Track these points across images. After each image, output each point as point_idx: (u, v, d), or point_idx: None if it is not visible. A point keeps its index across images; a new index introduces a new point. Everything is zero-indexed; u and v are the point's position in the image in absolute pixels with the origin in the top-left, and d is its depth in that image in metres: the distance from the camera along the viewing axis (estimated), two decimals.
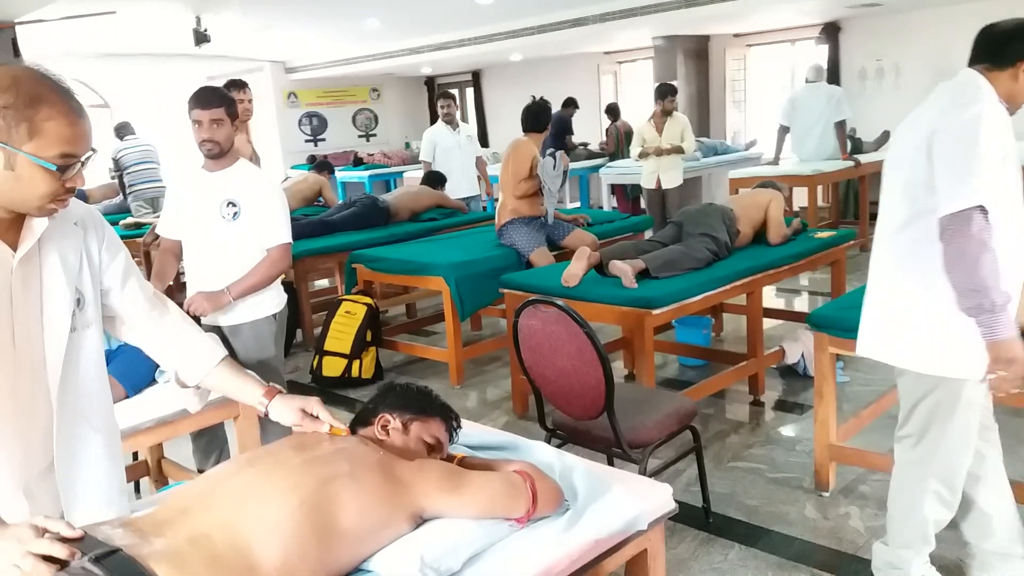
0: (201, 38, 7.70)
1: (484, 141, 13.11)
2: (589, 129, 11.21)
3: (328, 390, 4.71)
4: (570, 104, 9.69)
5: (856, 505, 3.06)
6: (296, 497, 1.38)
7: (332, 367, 4.74)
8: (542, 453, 1.88)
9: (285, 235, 3.00)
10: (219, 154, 2.93)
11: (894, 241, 2.27)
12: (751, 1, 7.49)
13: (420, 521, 1.52)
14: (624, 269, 3.65)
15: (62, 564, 1.15)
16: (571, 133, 9.62)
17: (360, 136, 13.57)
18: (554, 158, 4.81)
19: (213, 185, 2.96)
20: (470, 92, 13.66)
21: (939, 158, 2.08)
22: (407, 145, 13.10)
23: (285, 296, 3.16)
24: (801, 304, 6.18)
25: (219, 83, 4.04)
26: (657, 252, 3.88)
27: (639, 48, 10.95)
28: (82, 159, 1.37)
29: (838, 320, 2.93)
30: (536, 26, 9.15)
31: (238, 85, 4.73)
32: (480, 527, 1.53)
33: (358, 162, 11.29)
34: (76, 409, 1.53)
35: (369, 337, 4.83)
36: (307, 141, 12.83)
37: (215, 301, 2.91)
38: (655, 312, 3.41)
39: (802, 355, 4.39)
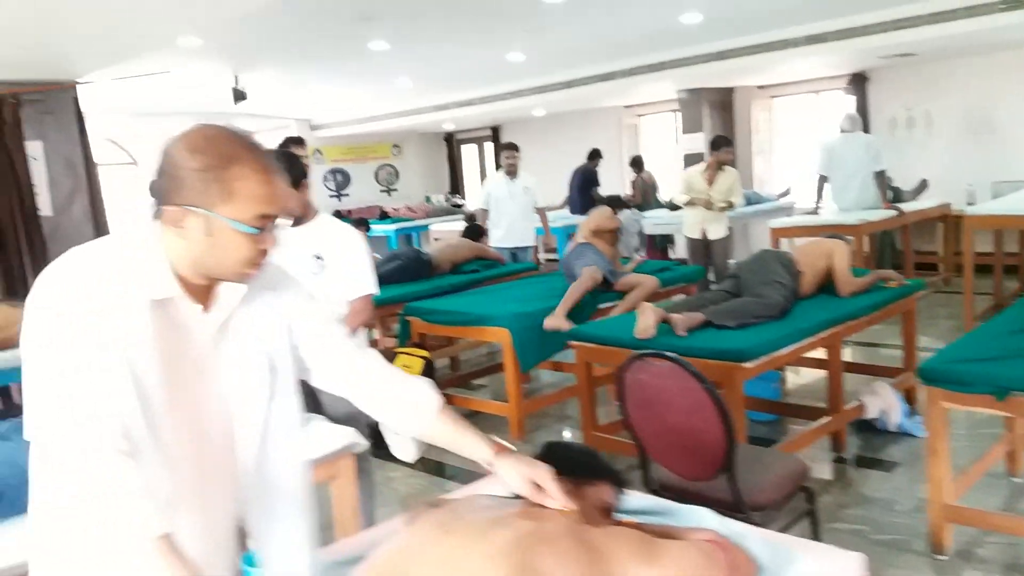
0: (239, 96, 7.76)
1: None
2: (612, 181, 11.21)
3: (386, 446, 4.54)
4: (595, 156, 9.70)
5: (979, 570, 2.88)
6: (503, 566, 1.26)
7: None
8: (703, 519, 1.74)
9: (370, 286, 2.94)
10: (298, 221, 2.90)
11: None
12: (777, 54, 7.54)
13: None
14: (679, 326, 3.55)
15: None
16: (598, 185, 9.60)
17: (382, 191, 13.66)
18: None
19: (298, 240, 2.89)
20: (489, 146, 13.75)
21: None
22: (427, 199, 13.16)
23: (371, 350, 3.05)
24: (860, 356, 6.01)
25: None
26: (725, 305, 3.78)
27: (660, 101, 11.03)
28: (275, 219, 1.31)
29: (952, 373, 2.80)
30: (563, 81, 9.22)
31: (296, 142, 4.71)
32: None
33: (384, 216, 11.32)
34: (269, 479, 1.45)
35: None
36: (331, 196, 12.88)
37: None
38: (747, 365, 3.29)
39: (880, 410, 4.24)
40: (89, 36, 4.86)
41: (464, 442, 1.58)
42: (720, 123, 9.76)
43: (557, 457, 1.62)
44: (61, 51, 5.19)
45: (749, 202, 8.74)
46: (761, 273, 3.96)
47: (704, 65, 7.99)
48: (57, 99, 5.91)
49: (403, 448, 1.68)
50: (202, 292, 1.35)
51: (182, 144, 1.27)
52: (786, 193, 9.30)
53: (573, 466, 1.60)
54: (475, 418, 5.02)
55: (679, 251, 9.59)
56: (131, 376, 1.24)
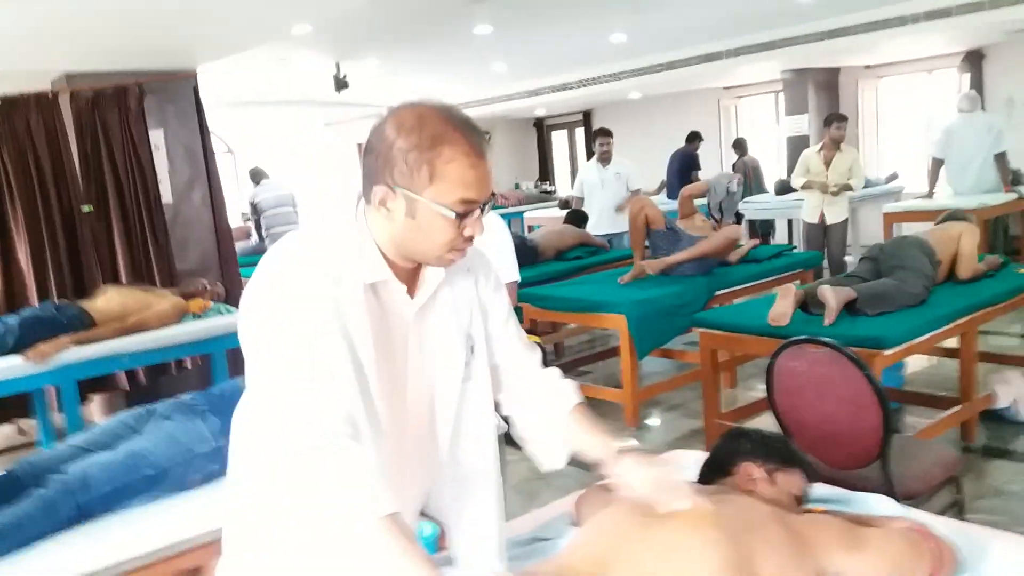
0: (341, 84, 7.91)
1: None
2: (710, 164, 11.01)
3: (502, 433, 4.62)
4: (695, 138, 9.53)
5: None
6: (717, 554, 1.27)
7: None
8: (885, 508, 1.72)
9: (513, 273, 2.97)
10: None
11: None
12: (894, 31, 7.24)
13: None
14: (831, 298, 3.43)
15: None
16: (698, 168, 9.44)
17: None
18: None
19: None
20: (579, 131, 13.67)
21: None
22: (516, 186, 13.17)
23: None
24: (995, 344, 5.75)
25: (339, 130, 3.97)
26: (866, 284, 3.67)
27: (761, 82, 10.76)
28: (481, 205, 1.28)
29: None
30: (664, 63, 9.07)
31: None
32: None
33: None
34: (462, 462, 1.46)
35: None
36: None
37: None
38: (886, 352, 3.21)
39: (1013, 400, 4.08)
40: (209, 24, 5.01)
41: (592, 441, 1.49)
42: (825, 104, 9.44)
43: (750, 444, 1.63)
44: (183, 40, 5.36)
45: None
46: (902, 259, 3.82)
47: (814, 44, 7.73)
48: (178, 88, 6.13)
49: (549, 455, 1.53)
50: (407, 274, 1.35)
51: (393, 122, 1.25)
52: (894, 177, 8.97)
53: (768, 452, 1.60)
54: (588, 403, 5.03)
55: (779, 237, 9.37)
56: (351, 358, 1.25)
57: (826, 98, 9.51)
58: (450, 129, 1.24)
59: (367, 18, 6.18)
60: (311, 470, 1.18)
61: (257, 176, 8.72)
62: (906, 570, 1.40)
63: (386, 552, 1.15)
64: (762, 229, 9.21)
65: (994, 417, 4.14)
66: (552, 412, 1.54)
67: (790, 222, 8.63)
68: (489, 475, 1.50)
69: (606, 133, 6.94)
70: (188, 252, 5.17)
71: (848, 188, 6.48)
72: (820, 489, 1.82)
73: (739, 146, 9.96)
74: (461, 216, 1.26)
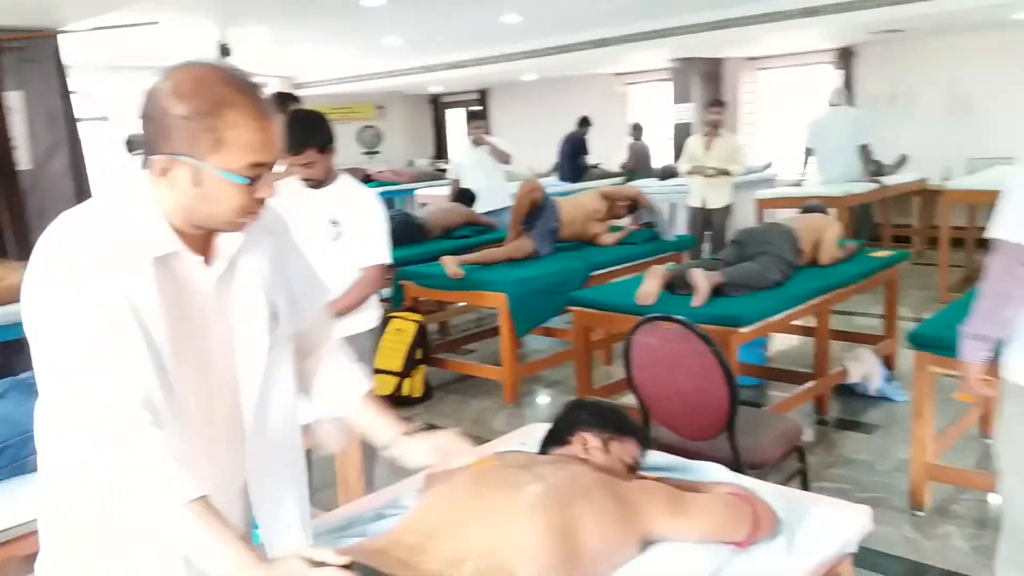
0: (225, 52, 7.63)
1: None
2: (600, 149, 11.22)
3: None
4: (584, 123, 9.69)
5: (955, 525, 3.05)
6: (542, 520, 1.32)
7: (383, 385, 4.65)
8: (719, 475, 1.83)
9: (384, 255, 2.93)
10: (318, 184, 2.87)
11: None
12: (769, 25, 7.57)
13: (646, 544, 1.47)
14: (702, 281, 3.60)
15: None
16: (586, 153, 9.61)
17: (364, 153, 13.52)
18: None
19: (315, 202, 2.87)
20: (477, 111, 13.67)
21: None
22: (411, 163, 13.06)
23: (382, 310, 3.09)
24: (838, 324, 6.15)
25: None
26: (733, 268, 3.85)
27: (651, 70, 11.03)
28: (271, 166, 1.24)
29: (941, 339, 2.91)
30: (557, 46, 9.17)
31: (292, 99, 4.66)
32: (705, 551, 1.48)
33: (367, 179, 11.19)
34: (268, 432, 1.41)
35: (418, 355, 4.76)
36: None
37: None
38: (742, 330, 3.38)
39: (862, 375, 4.39)
40: None
41: (378, 425, 1.54)
42: (709, 93, 9.77)
43: (586, 414, 1.70)
44: None
45: None
46: (766, 245, 4.03)
47: (698, 35, 8.00)
48: (38, 48, 5.74)
49: (330, 438, 1.59)
50: (200, 242, 1.29)
51: (169, 87, 1.17)
52: (768, 165, 9.40)
53: (602, 422, 1.67)
54: (467, 382, 5.11)
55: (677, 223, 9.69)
56: (144, 340, 1.19)
57: (710, 87, 9.87)
58: (233, 92, 1.18)
59: None
60: (110, 461, 1.15)
61: (133, 144, 8.29)
62: (726, 531, 1.50)
63: (195, 537, 1.14)
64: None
65: (848, 392, 4.45)
66: (342, 398, 1.56)
67: (672, 206, 8.91)
68: (294, 449, 1.48)
69: (478, 116, 7.16)
70: (46, 222, 4.86)
71: (725, 173, 6.73)
72: (658, 458, 1.92)
73: (636, 130, 10.20)
74: (251, 180, 1.21)
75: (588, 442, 1.63)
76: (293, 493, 1.49)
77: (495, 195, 6.95)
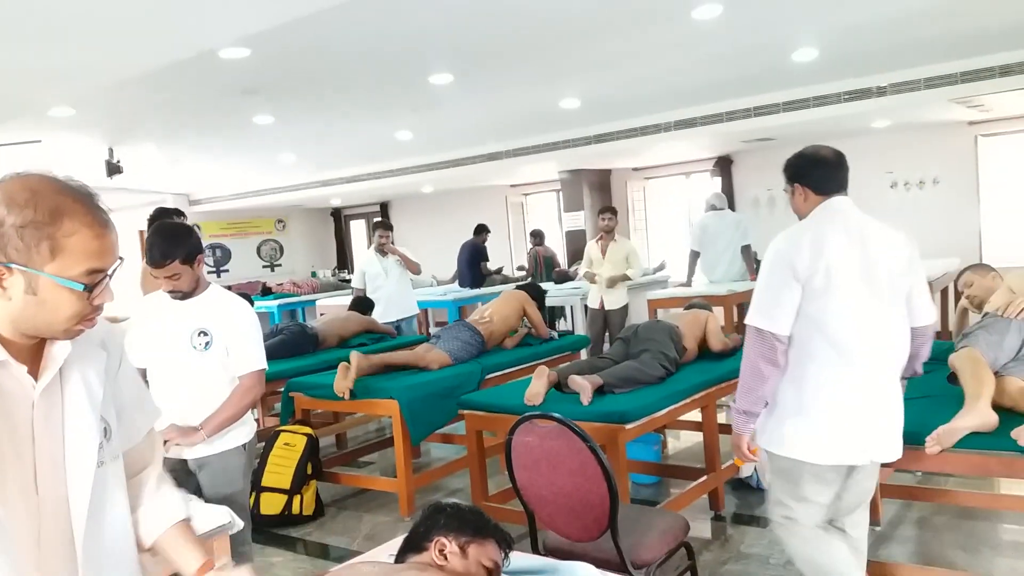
0: (113, 169, 7.50)
1: None
2: (499, 256, 11.46)
3: (266, 530, 4.37)
4: (482, 230, 9.89)
5: None
6: None
7: (271, 504, 4.41)
8: (584, 573, 1.79)
9: (260, 361, 2.86)
10: (186, 296, 2.83)
11: None
12: (652, 138, 8.04)
13: None
14: (584, 385, 3.66)
15: None
16: (486, 259, 9.78)
17: (265, 266, 13.38)
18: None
19: (182, 313, 2.81)
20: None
21: None
22: (313, 274, 12.98)
23: (255, 425, 2.97)
24: (724, 418, 6.30)
25: (120, 217, 3.71)
26: (613, 368, 3.92)
27: (545, 181, 11.46)
28: (109, 272, 1.25)
29: None
30: (451, 160, 9.46)
31: (176, 214, 4.60)
32: None
33: (267, 292, 11.05)
34: (103, 550, 1.34)
35: (309, 470, 4.57)
36: (210, 272, 12.50)
37: (189, 439, 2.71)
38: (628, 426, 3.41)
39: (755, 468, 4.44)
40: None
41: (180, 556, 1.51)
42: (599, 202, 10.24)
43: (444, 518, 1.65)
44: None
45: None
46: (647, 342, 4.14)
47: (583, 148, 8.41)
48: None
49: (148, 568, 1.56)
50: (28, 353, 1.27)
51: (1, 197, 1.18)
52: (662, 267, 9.76)
53: (460, 525, 1.63)
54: (363, 496, 4.92)
55: (571, 322, 9.85)
56: None
57: (599, 196, 10.32)
58: (68, 200, 1.20)
59: (135, 103, 5.97)
60: None
61: None
62: None
63: None
64: (548, 316, 9.62)
65: (744, 486, 4.49)
66: (160, 522, 1.52)
67: (571, 308, 9.10)
68: (129, 563, 1.42)
69: (385, 226, 7.18)
70: None
71: (625, 279, 7.11)
72: (528, 560, 1.87)
73: (536, 236, 10.48)
74: (90, 288, 1.22)
75: (445, 547, 1.57)
76: None
77: (404, 303, 7.08)
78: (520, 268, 10.69)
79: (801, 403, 2.44)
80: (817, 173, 2.60)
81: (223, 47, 4.46)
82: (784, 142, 8.87)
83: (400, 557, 1.60)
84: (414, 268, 7.11)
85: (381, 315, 6.80)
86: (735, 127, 7.50)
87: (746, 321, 2.50)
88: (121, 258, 1.28)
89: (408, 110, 6.87)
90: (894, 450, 2.52)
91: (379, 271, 6.97)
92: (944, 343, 3.73)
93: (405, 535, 1.68)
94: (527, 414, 2.68)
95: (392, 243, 7.09)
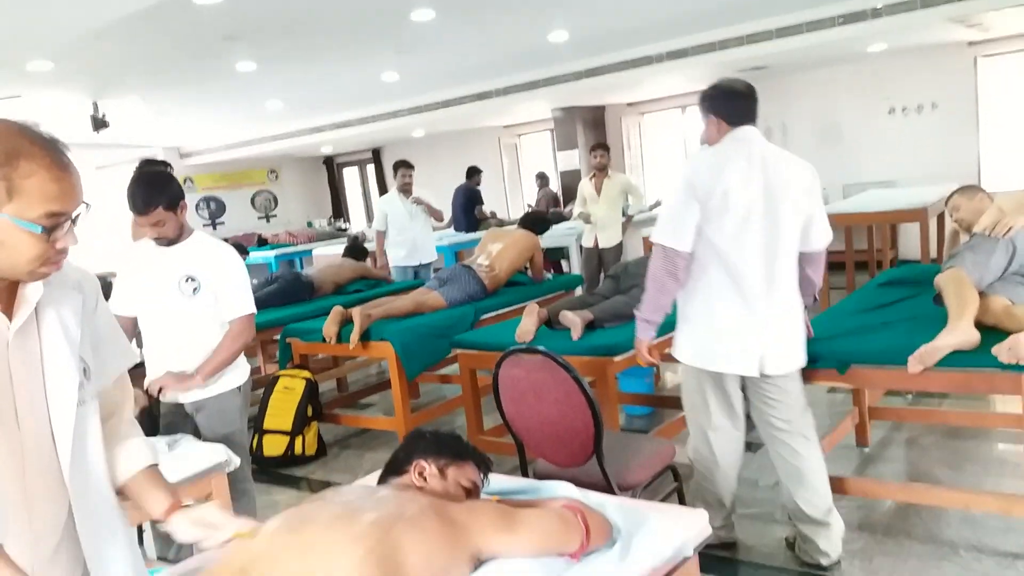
0: (99, 123, 7.43)
1: None
2: (493, 199, 11.41)
3: (271, 470, 4.47)
4: (475, 173, 9.82)
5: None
6: (362, 548, 1.30)
7: (273, 446, 4.51)
8: (565, 492, 1.84)
9: (248, 305, 2.88)
10: (171, 242, 2.83)
11: None
12: (643, 70, 7.91)
13: (479, 563, 1.45)
14: (574, 320, 3.70)
15: None
16: (481, 202, 9.73)
17: (260, 218, 13.35)
18: None
19: (169, 260, 2.82)
20: (371, 168, 13.70)
21: None
22: (309, 224, 12.97)
23: (249, 367, 3.02)
24: None
25: (110, 173, 3.67)
26: (603, 304, 3.95)
27: (538, 120, 11.33)
28: (72, 216, 1.26)
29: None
30: (440, 101, 9.33)
31: (162, 165, 4.57)
32: (539, 564, 1.47)
33: (262, 242, 11.06)
34: (89, 486, 1.39)
35: (310, 412, 4.65)
36: (205, 225, 12.49)
37: (184, 384, 2.75)
38: (616, 359, 3.44)
39: None
40: None
41: (148, 499, 1.54)
42: (593, 139, 10.10)
43: (424, 443, 1.69)
44: None
45: (625, 213, 9.10)
46: (636, 277, 4.15)
47: (574, 83, 8.28)
48: None
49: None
50: (2, 293, 1.29)
51: None
52: (657, 204, 9.71)
53: (439, 448, 1.67)
54: (365, 436, 5.01)
55: (574, 263, 9.87)
56: None
57: (593, 134, 10.19)
58: (26, 143, 1.21)
59: (115, 54, 5.88)
60: None
61: None
62: (558, 543, 1.50)
63: None
64: (554, 256, 9.60)
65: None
66: (127, 466, 1.54)
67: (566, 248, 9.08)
68: (111, 498, 1.46)
69: (407, 165, 6.83)
70: None
71: (625, 215, 7.23)
72: (511, 482, 1.92)
73: (542, 178, 10.40)
74: (49, 230, 1.23)
75: (424, 469, 1.62)
76: (123, 545, 1.47)
77: (427, 248, 6.87)
78: (530, 206, 10.67)
79: (697, 315, 2.72)
80: (729, 105, 2.72)
81: None
82: (778, 70, 8.74)
83: (382, 480, 1.65)
84: (439, 216, 6.93)
85: (405, 258, 6.66)
86: (728, 56, 7.37)
87: (651, 239, 2.73)
88: (87, 203, 1.28)
89: (392, 50, 6.76)
90: (785, 364, 2.73)
91: (403, 213, 6.68)
92: (934, 267, 3.74)
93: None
94: (512, 348, 2.72)
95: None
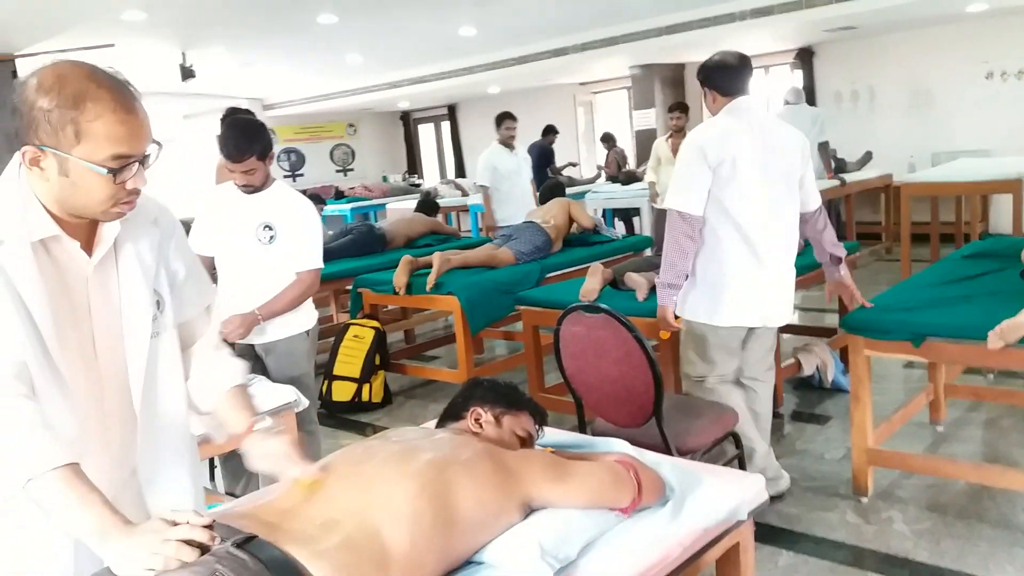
0: (187, 73, 7.65)
1: (461, 172, 13.18)
2: (568, 157, 11.32)
3: (338, 415, 4.63)
4: (550, 132, 9.76)
5: (896, 509, 3.04)
6: (417, 484, 1.34)
7: (342, 391, 4.65)
8: (621, 450, 1.84)
9: (317, 260, 2.96)
10: (254, 190, 2.92)
11: None
12: (725, 28, 7.66)
13: (529, 511, 1.48)
14: (640, 282, 3.66)
15: (203, 549, 1.11)
16: (553, 162, 9.68)
17: (338, 171, 13.59)
18: None
19: (250, 207, 2.91)
20: (446, 125, 13.74)
21: None
22: (384, 179, 13.13)
23: (317, 313, 3.11)
24: (808, 320, 6.21)
25: (197, 122, 3.75)
26: None
27: (614, 78, 11.13)
28: (139, 158, 1.27)
29: (873, 322, 2.94)
30: (516, 57, 9.25)
31: (246, 114, 4.68)
32: (589, 517, 1.49)
33: (339, 195, 11.28)
34: (157, 415, 1.47)
35: (378, 361, 4.77)
36: (286, 176, 12.78)
37: (248, 324, 2.85)
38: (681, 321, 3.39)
39: (816, 367, 4.41)
40: (28, 6, 4.78)
41: (233, 418, 1.54)
42: (672, 99, 9.86)
43: (481, 391, 1.72)
44: None
45: None
46: None
47: (655, 40, 8.09)
48: None
49: (211, 428, 1.63)
50: (82, 230, 1.34)
51: (33, 82, 1.23)
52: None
53: (496, 397, 1.69)
54: (428, 387, 5.12)
55: (641, 223, 9.76)
56: (19, 316, 1.24)
57: (672, 93, 9.95)
58: (92, 86, 1.23)
59: (206, 8, 6.03)
60: None
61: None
62: (609, 497, 1.52)
63: (61, 501, 1.16)
64: (625, 216, 9.53)
65: (806, 385, 4.47)
66: (211, 387, 1.58)
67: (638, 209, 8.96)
68: (184, 434, 1.53)
69: (511, 116, 6.55)
70: None
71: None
72: (566, 436, 1.94)
73: (608, 139, 10.26)
74: (116, 172, 1.25)
75: (481, 416, 1.65)
76: (184, 476, 1.54)
77: (529, 205, 6.40)
78: (599, 167, 10.57)
79: (709, 275, 2.88)
80: (722, 77, 2.90)
81: None
82: (869, 31, 8.35)
83: (440, 424, 1.69)
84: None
85: (510, 217, 6.22)
86: (815, 15, 7.07)
87: (666, 204, 2.90)
88: (159, 143, 1.31)
89: (470, 3, 6.72)
90: (784, 316, 3.02)
91: (512, 168, 6.37)
92: (1021, 239, 3.56)
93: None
94: (573, 305, 2.72)
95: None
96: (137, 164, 1.27)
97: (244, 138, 2.84)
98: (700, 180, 2.79)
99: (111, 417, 1.39)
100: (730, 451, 2.95)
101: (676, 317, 2.98)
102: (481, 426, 1.63)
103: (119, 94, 1.25)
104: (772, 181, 2.83)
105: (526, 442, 1.66)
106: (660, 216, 7.13)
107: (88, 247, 1.34)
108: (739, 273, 2.85)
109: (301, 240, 2.94)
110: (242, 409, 1.54)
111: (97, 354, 1.36)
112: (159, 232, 1.47)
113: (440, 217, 6.97)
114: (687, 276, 2.90)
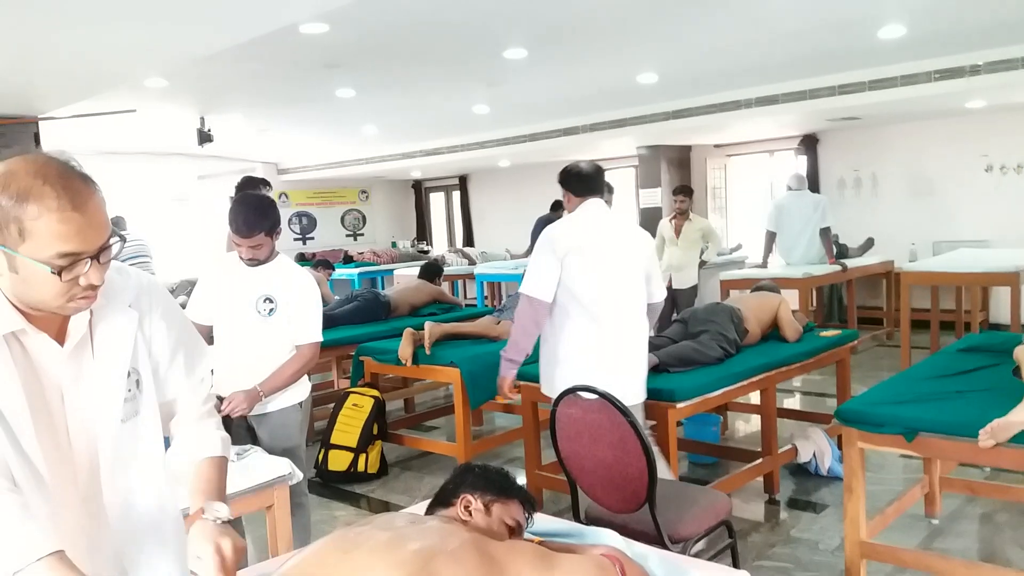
0: (204, 138, 7.86)
1: (469, 241, 13.36)
2: None
3: (333, 485, 4.61)
4: (559, 207, 9.90)
5: None
6: (403, 574, 1.35)
7: (338, 461, 4.65)
8: (609, 540, 1.86)
9: (317, 334, 3.02)
10: (259, 263, 3.00)
11: None
12: (731, 114, 7.88)
13: None
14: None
15: None
16: None
17: (348, 235, 13.77)
18: None
19: (251, 279, 2.98)
20: (456, 195, 13.98)
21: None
22: (393, 244, 13.32)
23: (310, 384, 3.15)
24: (794, 403, 6.22)
25: (212, 183, 3.89)
26: (670, 348, 3.94)
27: (622, 156, 11.36)
28: (91, 254, 1.25)
29: (866, 414, 2.96)
30: (527, 134, 9.50)
31: (262, 183, 4.83)
32: None
33: (348, 260, 11.43)
34: (134, 498, 1.44)
35: (375, 430, 4.78)
36: (296, 239, 12.96)
37: (251, 400, 2.90)
38: (679, 405, 3.44)
39: (813, 454, 4.41)
40: (52, 72, 4.95)
41: (193, 496, 1.49)
42: (677, 179, 10.11)
43: (472, 477, 1.75)
44: (23, 85, 5.27)
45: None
46: (706, 323, 4.15)
47: (662, 123, 8.31)
48: (17, 134, 5.95)
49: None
50: (53, 320, 1.33)
51: None
52: (738, 247, 9.60)
53: (486, 484, 1.72)
54: (425, 459, 5.11)
55: None
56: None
57: (678, 173, 10.17)
58: (38, 183, 1.21)
59: (224, 75, 6.24)
60: None
61: (115, 225, 8.46)
62: None
63: None
64: None
65: (802, 472, 4.46)
66: (186, 458, 1.56)
67: None
68: (164, 511, 1.50)
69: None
70: None
71: (703, 260, 7.33)
72: (556, 524, 1.95)
73: None
74: (63, 269, 1.23)
75: (471, 504, 1.67)
76: (169, 561, 1.51)
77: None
78: None
79: (561, 353, 3.22)
80: (576, 182, 3.32)
81: (303, 22, 4.63)
82: (871, 121, 8.57)
83: (430, 510, 1.71)
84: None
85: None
86: (819, 105, 7.28)
87: (520, 290, 3.27)
88: (122, 237, 1.30)
89: (484, 84, 6.95)
90: (635, 394, 3.21)
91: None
92: (1018, 336, 3.61)
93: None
94: (572, 387, 2.75)
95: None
96: (90, 260, 1.25)
97: (254, 215, 2.94)
98: (549, 269, 3.17)
99: (90, 503, 1.39)
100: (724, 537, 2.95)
101: (516, 387, 3.38)
102: (470, 514, 1.66)
103: (66, 191, 1.22)
104: (615, 270, 3.20)
105: (515, 531, 1.68)
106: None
107: (61, 337, 1.35)
108: (588, 352, 3.16)
109: (301, 313, 3.00)
110: (202, 489, 1.49)
111: (71, 441, 1.36)
112: (136, 314, 1.45)
113: (445, 285, 7.05)
114: (527, 354, 3.28)
